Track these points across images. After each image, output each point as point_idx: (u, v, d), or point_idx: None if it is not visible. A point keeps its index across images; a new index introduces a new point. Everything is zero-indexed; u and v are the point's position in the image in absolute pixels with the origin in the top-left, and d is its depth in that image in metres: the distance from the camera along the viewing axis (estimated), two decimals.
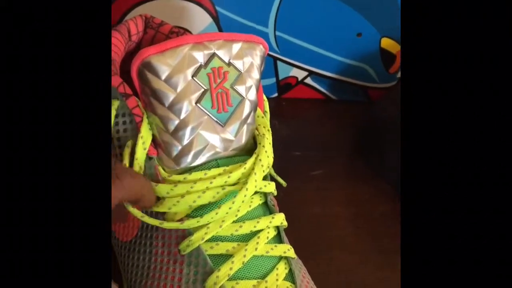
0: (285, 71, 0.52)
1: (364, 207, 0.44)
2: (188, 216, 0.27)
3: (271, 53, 0.50)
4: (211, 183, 0.27)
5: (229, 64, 0.28)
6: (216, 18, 0.47)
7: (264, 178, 0.31)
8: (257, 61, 0.29)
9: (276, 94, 0.54)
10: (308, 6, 0.47)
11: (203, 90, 0.27)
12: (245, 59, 0.28)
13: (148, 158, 0.27)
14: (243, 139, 0.29)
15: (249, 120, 0.29)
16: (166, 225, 0.26)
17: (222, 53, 0.27)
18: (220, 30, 0.48)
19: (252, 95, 0.29)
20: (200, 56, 0.27)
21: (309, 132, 0.51)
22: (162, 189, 0.26)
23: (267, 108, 0.33)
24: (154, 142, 0.27)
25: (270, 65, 0.51)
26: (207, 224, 0.26)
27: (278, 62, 0.51)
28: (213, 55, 0.27)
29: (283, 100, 0.54)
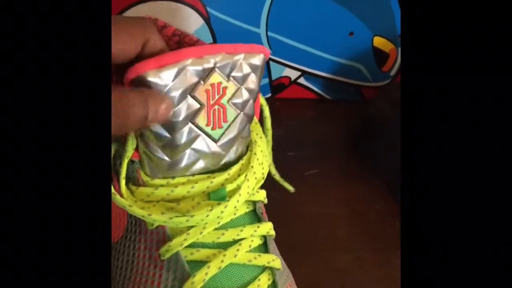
0: (278, 71, 0.52)
1: (359, 206, 0.43)
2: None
3: None
4: (192, 187, 0.26)
5: (229, 78, 0.26)
6: (207, 19, 0.47)
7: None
8: (257, 71, 0.27)
9: (269, 95, 0.54)
10: (299, 5, 0.47)
11: (199, 107, 0.26)
12: (245, 71, 0.27)
13: (131, 161, 0.27)
14: (236, 152, 0.28)
15: (243, 134, 0.28)
16: (155, 217, 0.25)
17: (222, 67, 0.26)
18: (211, 31, 0.47)
19: (249, 108, 0.28)
20: (199, 72, 0.25)
21: (303, 132, 0.51)
22: (142, 192, 0.26)
23: (267, 113, 0.32)
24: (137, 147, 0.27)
25: None
26: (188, 230, 0.26)
27: (271, 63, 0.51)
28: (213, 69, 0.25)
29: (276, 100, 0.54)
